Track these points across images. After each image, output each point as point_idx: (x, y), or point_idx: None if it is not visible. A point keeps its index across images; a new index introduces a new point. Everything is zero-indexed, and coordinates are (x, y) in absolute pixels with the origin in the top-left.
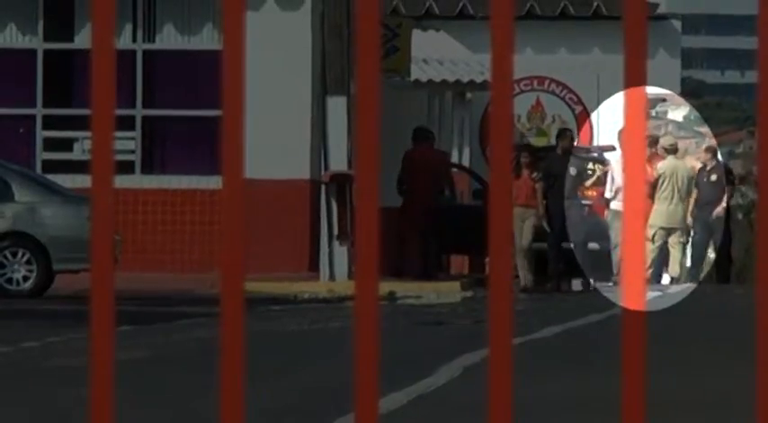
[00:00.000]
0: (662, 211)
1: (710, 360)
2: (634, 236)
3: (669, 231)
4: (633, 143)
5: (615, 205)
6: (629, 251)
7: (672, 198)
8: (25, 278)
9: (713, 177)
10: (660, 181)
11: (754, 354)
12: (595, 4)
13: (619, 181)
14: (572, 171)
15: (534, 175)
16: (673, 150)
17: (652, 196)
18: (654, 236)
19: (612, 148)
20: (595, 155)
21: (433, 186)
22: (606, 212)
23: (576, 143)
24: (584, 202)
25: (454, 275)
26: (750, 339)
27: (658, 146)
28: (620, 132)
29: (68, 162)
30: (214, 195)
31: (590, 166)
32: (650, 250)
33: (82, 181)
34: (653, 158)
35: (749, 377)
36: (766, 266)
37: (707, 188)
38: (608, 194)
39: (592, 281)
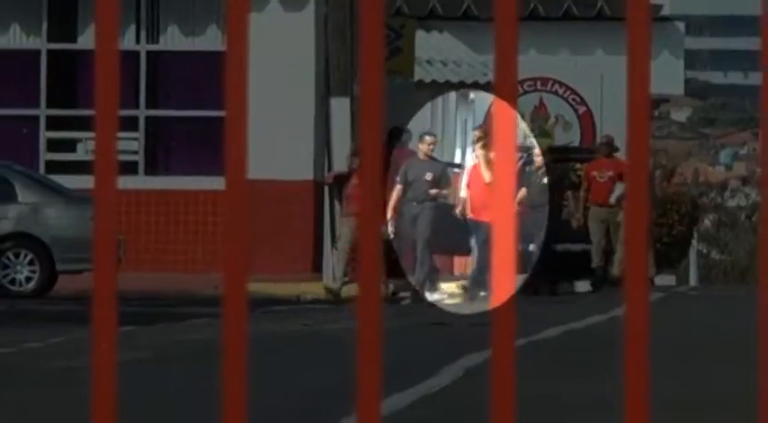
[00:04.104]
0: None
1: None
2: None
3: None
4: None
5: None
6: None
7: None
8: (28, 279)
9: (545, 180)
10: None
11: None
12: (599, 5)
13: (463, 193)
14: (428, 176)
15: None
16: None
17: None
18: None
19: (459, 166)
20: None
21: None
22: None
23: (578, 143)
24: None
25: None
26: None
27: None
28: (475, 141)
29: (72, 163)
30: (217, 196)
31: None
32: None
33: (85, 182)
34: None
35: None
36: None
37: (537, 190)
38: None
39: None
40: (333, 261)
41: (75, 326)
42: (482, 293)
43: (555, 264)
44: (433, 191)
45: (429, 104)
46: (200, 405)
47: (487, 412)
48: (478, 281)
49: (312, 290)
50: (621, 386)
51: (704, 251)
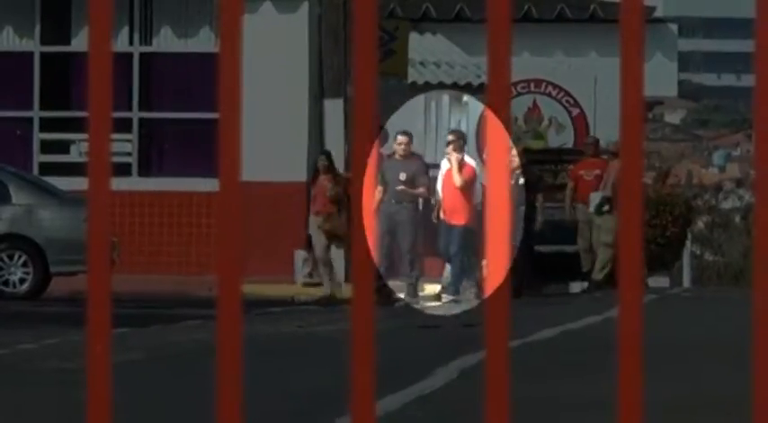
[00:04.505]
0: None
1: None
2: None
3: None
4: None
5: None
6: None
7: None
8: (22, 280)
9: (521, 180)
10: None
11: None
12: (592, 7)
13: (439, 195)
14: (401, 176)
15: (330, 180)
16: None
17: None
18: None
19: (437, 166)
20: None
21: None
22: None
23: (572, 145)
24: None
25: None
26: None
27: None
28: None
29: (65, 164)
30: (211, 198)
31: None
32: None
33: (79, 183)
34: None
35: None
36: (763, 269)
37: (515, 191)
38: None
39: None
40: (321, 267)
41: (70, 327)
42: (454, 298)
43: (532, 265)
44: (399, 188)
45: (415, 104)
46: (194, 406)
47: (482, 414)
48: (452, 286)
49: (306, 291)
50: (615, 387)
51: (698, 253)
